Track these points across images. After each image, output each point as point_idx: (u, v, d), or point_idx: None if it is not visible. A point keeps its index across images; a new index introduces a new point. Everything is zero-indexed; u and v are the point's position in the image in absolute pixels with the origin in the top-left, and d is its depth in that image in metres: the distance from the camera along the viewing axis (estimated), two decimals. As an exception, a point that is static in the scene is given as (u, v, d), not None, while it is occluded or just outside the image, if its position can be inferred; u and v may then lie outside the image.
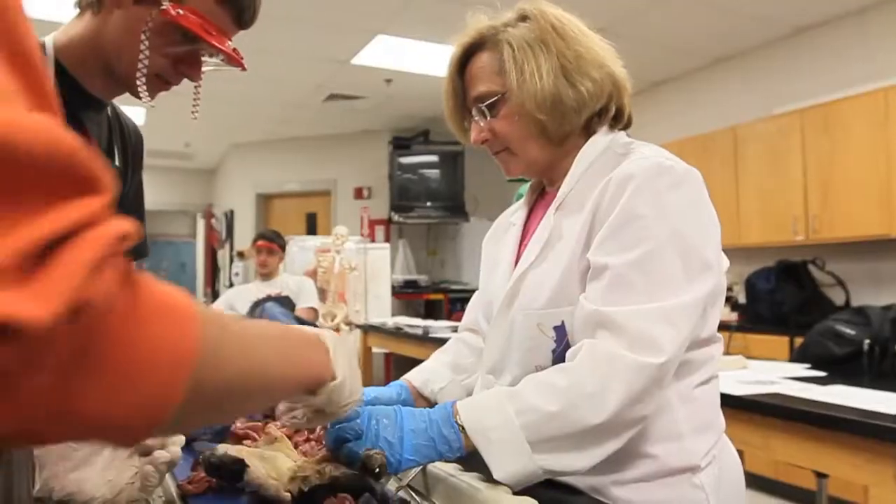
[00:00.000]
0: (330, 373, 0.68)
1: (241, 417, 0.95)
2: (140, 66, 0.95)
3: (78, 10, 1.01)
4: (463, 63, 1.08)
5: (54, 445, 0.71)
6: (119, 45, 0.96)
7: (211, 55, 1.02)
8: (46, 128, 0.31)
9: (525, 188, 1.24)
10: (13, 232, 0.29)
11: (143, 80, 0.97)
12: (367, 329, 4.74)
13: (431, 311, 6.69)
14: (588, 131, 1.05)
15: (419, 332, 3.85)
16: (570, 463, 0.86)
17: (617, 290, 0.88)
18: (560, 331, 0.96)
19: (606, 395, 0.83)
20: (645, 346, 0.85)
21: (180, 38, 0.96)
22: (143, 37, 0.93)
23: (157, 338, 0.36)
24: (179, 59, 1.00)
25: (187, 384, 0.37)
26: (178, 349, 0.36)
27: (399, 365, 6.03)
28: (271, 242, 4.10)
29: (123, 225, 0.34)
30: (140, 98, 1.01)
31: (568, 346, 0.93)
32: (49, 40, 1.00)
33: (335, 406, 0.71)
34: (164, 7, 0.91)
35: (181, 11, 0.92)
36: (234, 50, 1.01)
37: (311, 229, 7.47)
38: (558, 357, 0.96)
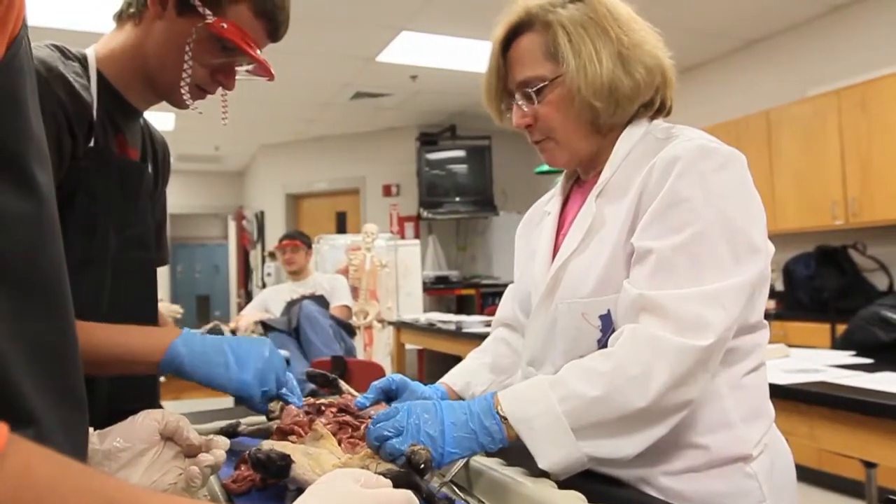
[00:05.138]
0: None
1: None
2: (184, 75, 0.99)
3: (116, 23, 1.04)
4: (507, 42, 1.03)
5: (101, 446, 0.72)
6: (162, 57, 1.00)
7: (242, 65, 1.06)
8: None
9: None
10: None
11: (187, 89, 1.02)
12: (400, 325, 4.74)
13: (463, 307, 6.69)
14: (629, 122, 1.02)
15: (452, 327, 3.83)
16: (616, 449, 0.84)
17: (662, 274, 0.86)
18: (606, 319, 0.94)
19: (650, 378, 0.82)
20: (692, 329, 0.83)
21: (220, 49, 1.01)
22: (187, 48, 0.97)
23: None
24: (216, 69, 1.04)
25: None
26: None
27: (432, 361, 6.04)
28: (294, 240, 4.17)
29: None
30: (182, 108, 1.05)
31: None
32: (91, 52, 1.03)
33: None
34: (209, 21, 0.94)
35: (225, 25, 0.96)
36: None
37: (341, 228, 7.52)
38: (604, 346, 0.93)
